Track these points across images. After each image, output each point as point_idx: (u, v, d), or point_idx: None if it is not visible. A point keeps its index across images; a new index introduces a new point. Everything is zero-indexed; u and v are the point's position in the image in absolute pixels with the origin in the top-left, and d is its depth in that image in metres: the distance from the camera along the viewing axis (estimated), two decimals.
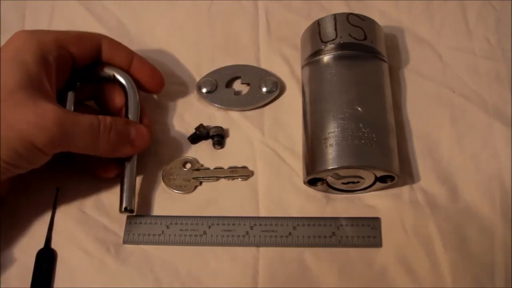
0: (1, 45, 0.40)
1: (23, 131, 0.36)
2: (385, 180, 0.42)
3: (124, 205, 0.42)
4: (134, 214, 0.43)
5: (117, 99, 0.45)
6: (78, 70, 0.43)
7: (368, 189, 0.43)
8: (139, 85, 0.45)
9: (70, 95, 0.43)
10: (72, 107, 0.43)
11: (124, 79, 0.45)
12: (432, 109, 0.47)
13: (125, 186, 0.43)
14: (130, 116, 0.44)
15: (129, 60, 0.45)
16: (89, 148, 0.40)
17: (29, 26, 0.54)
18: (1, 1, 0.55)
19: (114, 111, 0.45)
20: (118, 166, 0.44)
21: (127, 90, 0.44)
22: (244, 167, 0.45)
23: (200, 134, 0.47)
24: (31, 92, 0.37)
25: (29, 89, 0.37)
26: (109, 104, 0.45)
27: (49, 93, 0.39)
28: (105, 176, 0.44)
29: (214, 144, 0.46)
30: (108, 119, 0.41)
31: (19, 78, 0.37)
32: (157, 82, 0.47)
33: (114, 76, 0.44)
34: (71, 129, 0.38)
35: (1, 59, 0.38)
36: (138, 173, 0.45)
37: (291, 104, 0.48)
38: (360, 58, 0.45)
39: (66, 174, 0.45)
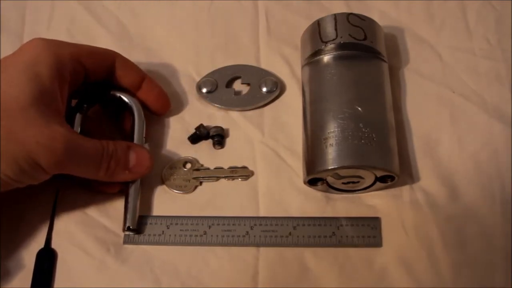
0: (6, 49, 0.40)
1: (31, 151, 0.36)
2: (385, 180, 0.42)
3: (127, 224, 0.42)
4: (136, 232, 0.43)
5: (126, 120, 0.46)
6: (86, 93, 0.44)
7: (368, 189, 0.43)
8: (145, 106, 0.46)
9: (78, 117, 0.43)
10: (79, 129, 0.43)
11: (131, 102, 0.45)
12: (432, 109, 0.47)
13: (129, 205, 0.43)
14: (135, 139, 0.44)
15: (140, 80, 0.45)
16: (89, 173, 0.40)
17: (29, 26, 0.54)
18: (1, 1, 0.55)
19: (121, 128, 0.46)
20: (121, 183, 0.43)
21: (134, 113, 0.45)
22: (244, 167, 0.45)
23: (200, 134, 0.47)
24: (43, 110, 0.37)
25: (41, 106, 0.37)
26: (118, 124, 0.46)
27: (60, 111, 0.39)
28: (107, 191, 0.44)
29: (214, 144, 0.46)
30: (111, 146, 0.40)
31: (32, 93, 0.37)
32: (163, 105, 0.47)
33: (121, 98, 0.45)
34: (77, 154, 0.38)
35: (15, 69, 0.37)
36: None
37: (291, 104, 0.48)
38: (360, 58, 0.45)
39: (66, 173, 0.45)
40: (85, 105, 0.44)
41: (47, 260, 0.42)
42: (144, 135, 0.45)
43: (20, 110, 0.36)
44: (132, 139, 0.44)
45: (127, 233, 0.43)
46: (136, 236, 0.43)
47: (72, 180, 0.42)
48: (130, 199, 0.43)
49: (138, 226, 0.43)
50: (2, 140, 0.35)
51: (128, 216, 0.42)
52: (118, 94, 0.45)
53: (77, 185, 0.44)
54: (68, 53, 0.40)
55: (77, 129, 0.43)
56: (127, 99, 0.45)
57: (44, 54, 0.38)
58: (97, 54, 0.43)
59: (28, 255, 0.42)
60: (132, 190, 0.43)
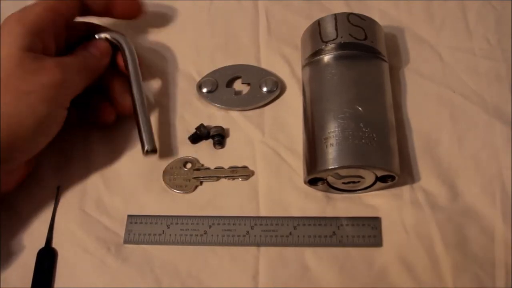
0: None
1: (41, 94, 0.40)
2: (386, 180, 0.42)
3: (146, 148, 0.44)
4: (157, 154, 0.45)
5: (118, 58, 0.48)
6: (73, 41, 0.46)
7: (368, 189, 0.43)
8: (116, 15, 0.48)
9: None
10: None
11: (120, 40, 0.47)
12: (432, 109, 0.47)
13: (142, 127, 0.44)
14: (131, 74, 0.46)
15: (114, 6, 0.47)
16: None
17: None
18: (1, 1, 0.55)
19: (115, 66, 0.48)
20: (113, 109, 0.46)
21: (125, 50, 0.47)
22: (245, 167, 0.45)
23: (200, 134, 0.47)
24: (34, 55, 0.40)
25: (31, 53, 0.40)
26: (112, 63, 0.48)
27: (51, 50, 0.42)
28: (105, 120, 0.46)
29: (214, 144, 0.46)
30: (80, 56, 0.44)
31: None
32: (134, 8, 0.49)
33: (106, 39, 0.47)
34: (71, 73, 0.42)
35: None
36: (137, 173, 0.46)
37: (292, 104, 0.48)
38: (360, 58, 0.45)
39: (66, 173, 0.45)
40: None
41: (47, 260, 0.42)
42: (139, 69, 0.46)
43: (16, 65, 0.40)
44: (128, 75, 0.46)
45: (148, 155, 0.44)
46: (137, 235, 0.43)
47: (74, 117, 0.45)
48: (141, 121, 0.44)
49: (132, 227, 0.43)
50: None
51: (145, 138, 0.44)
52: (103, 35, 0.47)
53: (75, 121, 0.45)
54: (38, 13, 0.42)
55: None
56: (114, 37, 0.47)
57: (16, 28, 0.41)
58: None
59: (29, 255, 0.42)
60: (139, 112, 0.45)
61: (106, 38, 0.47)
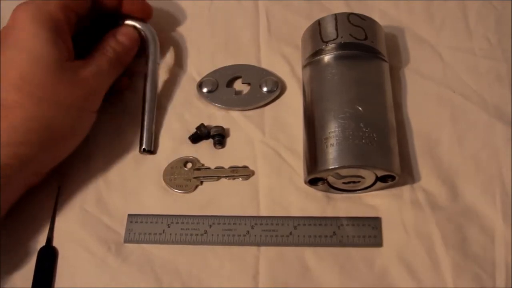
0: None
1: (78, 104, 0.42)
2: (386, 180, 0.42)
3: (143, 146, 0.45)
4: (154, 153, 0.46)
5: None
6: (99, 23, 0.47)
7: (368, 189, 0.43)
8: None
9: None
10: None
11: (145, 29, 0.48)
12: (432, 109, 0.47)
13: (145, 127, 0.45)
14: (150, 62, 0.47)
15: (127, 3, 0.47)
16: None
17: None
18: (1, 1, 0.55)
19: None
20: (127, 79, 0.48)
21: (149, 40, 0.48)
22: (245, 167, 0.45)
23: (201, 134, 0.47)
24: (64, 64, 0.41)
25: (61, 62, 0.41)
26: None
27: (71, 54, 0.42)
28: (121, 88, 0.48)
29: (215, 144, 0.46)
30: (110, 51, 0.45)
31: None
32: (147, 13, 0.49)
33: (135, 27, 0.48)
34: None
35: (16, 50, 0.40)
36: (138, 173, 0.46)
37: (292, 104, 0.48)
38: (360, 58, 0.45)
39: (67, 172, 0.45)
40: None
41: (48, 259, 0.42)
42: (158, 66, 0.48)
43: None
44: (146, 70, 0.47)
45: (144, 153, 0.45)
46: (137, 234, 0.43)
47: None
48: (146, 121, 0.46)
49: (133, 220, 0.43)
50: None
51: (144, 137, 0.45)
52: (131, 23, 0.47)
53: None
54: (56, 9, 0.41)
55: None
56: (142, 28, 0.48)
57: (36, 25, 0.40)
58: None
59: (29, 253, 0.42)
60: (147, 112, 0.46)
61: (134, 27, 0.47)
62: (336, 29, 0.45)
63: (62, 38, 0.41)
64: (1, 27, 0.52)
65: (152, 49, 0.48)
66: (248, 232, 0.43)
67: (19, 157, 0.39)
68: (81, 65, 0.42)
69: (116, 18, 0.47)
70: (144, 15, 0.49)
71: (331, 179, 0.42)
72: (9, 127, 0.38)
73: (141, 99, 0.48)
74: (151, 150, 0.46)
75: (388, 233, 0.42)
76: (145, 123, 0.46)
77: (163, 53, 0.52)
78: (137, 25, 0.48)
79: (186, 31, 0.53)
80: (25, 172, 0.40)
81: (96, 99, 0.43)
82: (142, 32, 0.48)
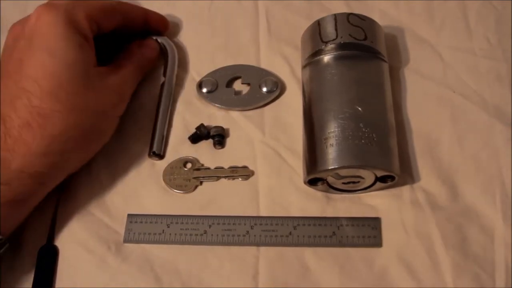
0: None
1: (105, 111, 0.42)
2: (386, 180, 0.42)
3: (153, 149, 0.46)
4: (163, 158, 0.46)
5: None
6: (128, 38, 0.49)
7: (368, 189, 0.43)
8: (152, 30, 0.50)
9: None
10: None
11: (167, 44, 0.51)
12: (432, 109, 0.47)
13: (157, 131, 0.46)
14: (167, 76, 0.49)
15: (144, 16, 0.49)
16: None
17: None
18: (1, 1, 0.55)
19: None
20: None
21: (169, 55, 0.50)
22: (245, 167, 0.45)
23: (200, 134, 0.47)
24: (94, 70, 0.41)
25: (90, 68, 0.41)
26: None
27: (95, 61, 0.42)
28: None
29: (214, 144, 0.46)
30: (135, 58, 0.47)
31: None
32: (165, 25, 0.51)
33: (156, 40, 0.50)
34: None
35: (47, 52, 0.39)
36: (138, 173, 0.46)
37: (292, 104, 0.48)
38: (360, 58, 0.45)
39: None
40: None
41: (49, 257, 0.42)
42: (174, 77, 0.49)
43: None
44: (164, 81, 0.49)
45: (152, 157, 0.46)
46: (137, 234, 0.43)
47: None
48: (158, 125, 0.46)
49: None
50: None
51: (155, 141, 0.46)
52: (155, 38, 0.50)
53: None
54: (83, 17, 0.41)
55: None
56: (164, 42, 0.51)
57: (62, 30, 0.39)
58: (108, 12, 0.44)
59: (30, 252, 0.42)
60: (160, 116, 0.47)
61: (156, 40, 0.50)
62: (336, 29, 0.45)
63: (89, 45, 0.41)
64: (1, 28, 0.53)
65: (170, 62, 0.50)
66: (247, 232, 0.43)
67: (55, 165, 0.39)
68: (109, 72, 0.43)
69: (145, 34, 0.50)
70: (163, 28, 0.51)
71: (330, 179, 0.42)
72: (48, 136, 0.38)
73: (143, 104, 0.49)
74: (160, 154, 0.46)
75: (387, 233, 0.42)
76: (157, 129, 0.47)
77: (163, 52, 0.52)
78: (159, 39, 0.50)
79: (186, 31, 0.53)
80: (58, 179, 0.41)
81: (122, 105, 0.44)
82: (163, 46, 0.50)
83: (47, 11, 0.39)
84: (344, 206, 0.43)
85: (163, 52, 0.51)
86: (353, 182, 0.42)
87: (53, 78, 0.38)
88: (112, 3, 0.45)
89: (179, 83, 0.50)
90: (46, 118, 0.38)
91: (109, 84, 0.42)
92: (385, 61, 0.46)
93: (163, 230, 0.43)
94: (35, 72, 0.38)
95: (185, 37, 0.53)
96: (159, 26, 0.50)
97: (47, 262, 0.42)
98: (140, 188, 0.45)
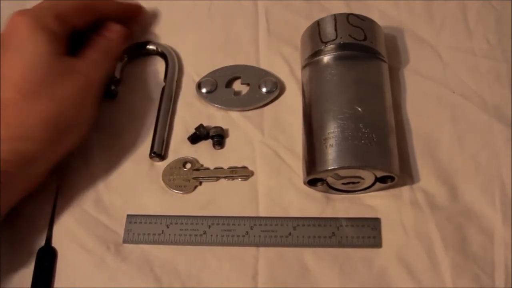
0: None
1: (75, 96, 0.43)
2: (385, 181, 0.42)
3: (154, 150, 0.46)
4: (164, 159, 0.46)
5: None
6: (128, 49, 0.51)
7: (368, 190, 0.43)
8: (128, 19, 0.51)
9: (119, 65, 0.50)
10: (120, 74, 0.50)
11: (166, 51, 0.51)
12: (432, 109, 0.47)
13: (157, 132, 0.46)
14: (167, 81, 0.49)
15: (117, 8, 0.50)
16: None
17: None
18: (1, 0, 0.55)
19: None
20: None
21: (169, 61, 0.50)
22: (244, 167, 0.45)
23: (200, 134, 0.47)
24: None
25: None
26: None
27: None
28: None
29: (214, 144, 0.46)
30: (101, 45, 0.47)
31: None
32: (139, 10, 0.53)
33: (157, 48, 0.52)
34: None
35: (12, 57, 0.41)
36: (137, 173, 0.46)
37: (291, 104, 0.48)
38: (360, 59, 0.45)
39: (66, 172, 0.45)
40: (125, 56, 0.51)
41: (47, 259, 0.42)
42: (175, 82, 0.50)
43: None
44: (164, 85, 0.50)
45: (153, 158, 0.46)
46: (136, 235, 0.43)
47: None
48: (158, 126, 0.47)
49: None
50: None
51: (155, 142, 0.46)
52: (154, 47, 0.52)
53: None
54: (52, 18, 0.43)
55: (118, 74, 0.50)
56: (162, 48, 0.51)
57: (33, 32, 0.42)
58: (80, 11, 0.46)
59: (29, 254, 0.42)
60: (161, 117, 0.47)
61: (156, 49, 0.51)
62: (335, 30, 0.45)
63: (58, 39, 0.42)
64: (1, 28, 0.53)
65: (171, 67, 0.50)
66: (247, 232, 0.43)
67: (22, 153, 0.39)
68: (75, 59, 0.44)
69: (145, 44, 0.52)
70: (137, 13, 0.52)
71: (330, 179, 0.42)
72: (11, 124, 0.39)
73: (143, 106, 0.49)
74: (161, 155, 0.46)
75: (387, 233, 0.42)
76: (158, 131, 0.47)
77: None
78: (159, 47, 0.51)
79: (186, 31, 0.53)
80: (28, 170, 0.40)
81: (93, 91, 0.44)
82: (162, 52, 0.51)
83: (16, 16, 0.43)
84: (343, 206, 0.43)
85: (164, 58, 0.51)
86: (353, 183, 0.42)
87: (16, 71, 0.41)
88: (83, 2, 0.46)
89: (179, 84, 0.50)
90: (9, 107, 0.40)
91: (75, 70, 0.43)
92: (384, 62, 0.46)
93: (163, 231, 0.43)
94: (3, 68, 0.41)
95: (185, 37, 0.53)
96: (133, 13, 0.52)
97: (45, 264, 0.42)
98: (140, 188, 0.45)
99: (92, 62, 0.45)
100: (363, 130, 0.40)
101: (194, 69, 0.51)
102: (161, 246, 0.43)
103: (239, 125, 0.48)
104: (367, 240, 0.42)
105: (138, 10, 0.53)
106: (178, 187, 0.45)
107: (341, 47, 0.44)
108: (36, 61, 0.41)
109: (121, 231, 0.43)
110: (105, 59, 0.47)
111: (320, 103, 0.43)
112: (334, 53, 0.44)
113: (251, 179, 0.45)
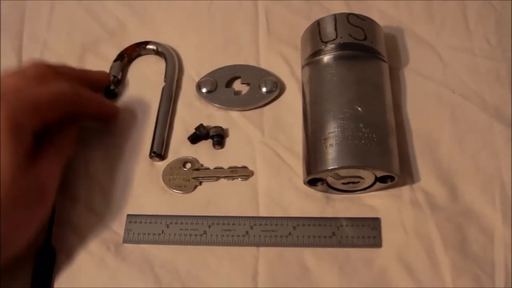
0: (6, 48, 0.41)
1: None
2: (385, 180, 0.42)
3: (153, 149, 0.46)
4: (164, 158, 0.46)
5: None
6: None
7: (368, 189, 0.43)
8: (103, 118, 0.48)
9: (118, 65, 0.51)
10: (120, 74, 0.50)
11: (165, 51, 0.51)
12: (432, 109, 0.47)
13: (157, 132, 0.47)
14: (166, 81, 0.50)
15: (97, 112, 0.47)
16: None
17: (29, 26, 0.54)
18: (1, 1, 0.55)
19: None
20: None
21: (168, 61, 0.51)
22: (244, 167, 0.45)
23: (200, 134, 0.47)
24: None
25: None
26: None
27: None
28: (110, 115, 0.48)
29: (214, 144, 0.46)
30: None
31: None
32: (109, 111, 0.48)
33: (157, 48, 0.52)
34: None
35: None
36: (137, 173, 0.46)
37: (291, 104, 0.48)
38: (360, 58, 0.45)
39: (65, 172, 0.45)
40: (125, 56, 0.51)
41: (47, 258, 0.42)
42: (174, 83, 0.50)
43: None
44: (164, 86, 0.49)
45: (153, 158, 0.46)
46: (136, 235, 0.43)
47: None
48: (158, 126, 0.47)
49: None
50: None
51: (155, 142, 0.46)
52: (154, 47, 0.52)
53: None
54: (25, 109, 0.39)
55: (118, 74, 0.50)
56: (162, 48, 0.52)
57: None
58: (58, 103, 0.42)
59: (28, 254, 0.42)
60: (161, 117, 0.47)
61: (155, 49, 0.51)
62: (336, 30, 0.45)
63: (23, 142, 0.38)
64: (1, 27, 0.53)
65: (170, 68, 0.50)
66: (247, 232, 0.43)
67: None
68: (34, 166, 0.39)
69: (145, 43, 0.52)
70: (113, 115, 0.48)
71: (330, 179, 0.42)
72: None
73: (143, 106, 0.49)
74: (160, 154, 0.46)
75: (387, 233, 0.42)
76: (157, 131, 0.47)
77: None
78: (159, 47, 0.51)
79: (186, 31, 0.53)
80: None
81: (44, 206, 0.40)
82: (162, 52, 0.51)
83: None
84: (343, 206, 0.43)
85: (164, 58, 0.51)
86: (353, 183, 0.42)
87: None
88: (66, 96, 0.42)
89: (179, 84, 0.50)
90: None
91: (34, 176, 0.39)
92: (384, 61, 0.46)
93: (163, 230, 0.43)
94: None
95: (184, 37, 0.53)
96: (109, 116, 0.48)
97: (45, 264, 0.42)
98: (140, 188, 0.45)
99: (49, 169, 0.41)
100: (363, 130, 0.40)
101: (194, 69, 0.51)
102: (161, 246, 0.43)
103: (239, 125, 0.48)
104: (367, 240, 0.42)
105: (114, 113, 0.48)
106: (178, 187, 0.45)
107: (341, 46, 0.44)
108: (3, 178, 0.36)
109: (121, 231, 0.43)
110: (62, 158, 0.43)
111: (320, 103, 0.43)
112: (334, 53, 0.44)
113: (251, 179, 0.45)
